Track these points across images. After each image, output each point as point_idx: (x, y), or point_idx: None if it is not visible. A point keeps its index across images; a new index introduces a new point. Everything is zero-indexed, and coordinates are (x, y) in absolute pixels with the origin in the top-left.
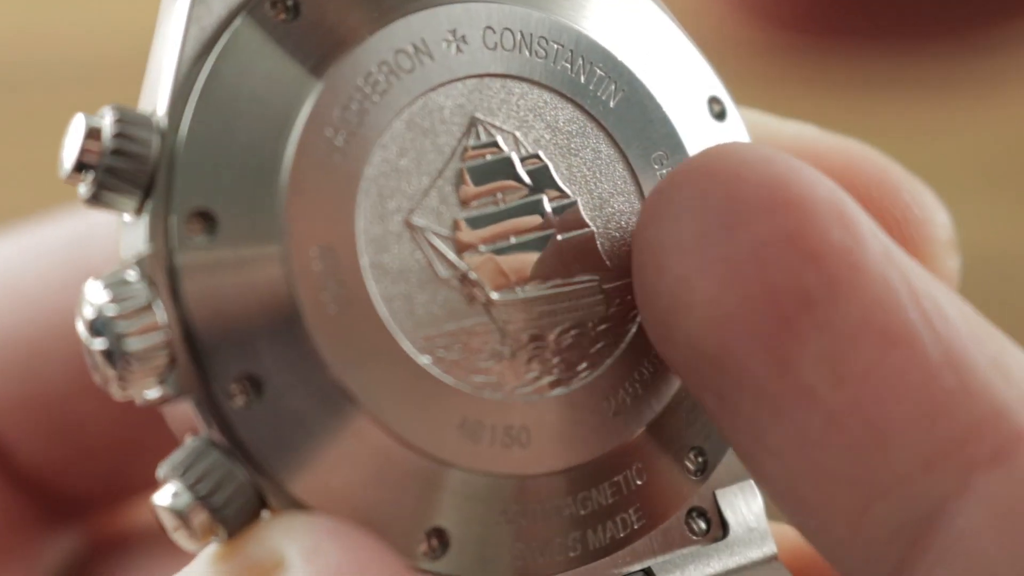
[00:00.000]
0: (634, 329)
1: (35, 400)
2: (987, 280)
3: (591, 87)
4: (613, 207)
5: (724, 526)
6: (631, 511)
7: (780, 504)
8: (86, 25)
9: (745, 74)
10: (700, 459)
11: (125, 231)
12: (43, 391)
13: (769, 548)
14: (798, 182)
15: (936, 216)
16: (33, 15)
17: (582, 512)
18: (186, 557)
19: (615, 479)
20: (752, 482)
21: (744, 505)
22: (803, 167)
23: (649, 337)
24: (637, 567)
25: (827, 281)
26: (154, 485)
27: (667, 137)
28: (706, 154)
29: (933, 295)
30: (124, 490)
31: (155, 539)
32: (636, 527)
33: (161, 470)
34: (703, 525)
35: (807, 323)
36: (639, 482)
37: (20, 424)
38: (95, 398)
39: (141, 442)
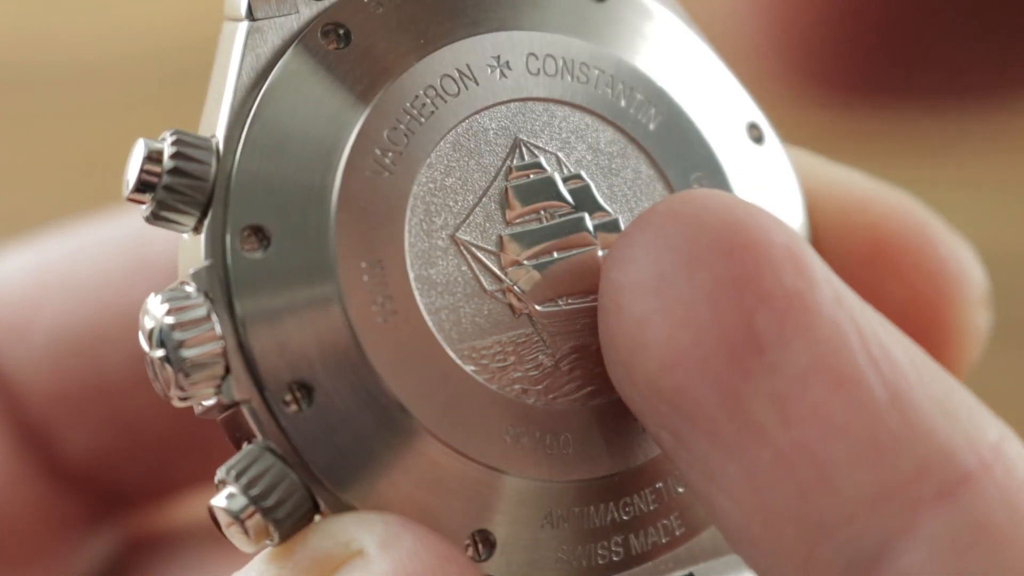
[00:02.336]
0: None
1: (90, 391)
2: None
3: (631, 110)
4: None
5: None
6: (672, 518)
7: (734, 545)
8: (86, 25)
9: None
10: None
11: (184, 248)
12: (98, 383)
13: None
14: (756, 227)
15: (971, 273)
16: (33, 15)
17: (624, 518)
18: (229, 557)
19: (657, 486)
20: None
21: None
22: (762, 213)
23: (612, 379)
24: (679, 573)
25: (778, 323)
26: (196, 484)
27: (706, 159)
28: (670, 199)
29: (881, 339)
30: (167, 487)
31: (193, 539)
32: (678, 534)
33: (218, 474)
34: None
35: (757, 364)
36: (681, 489)
37: (73, 414)
38: (149, 393)
39: (189, 440)
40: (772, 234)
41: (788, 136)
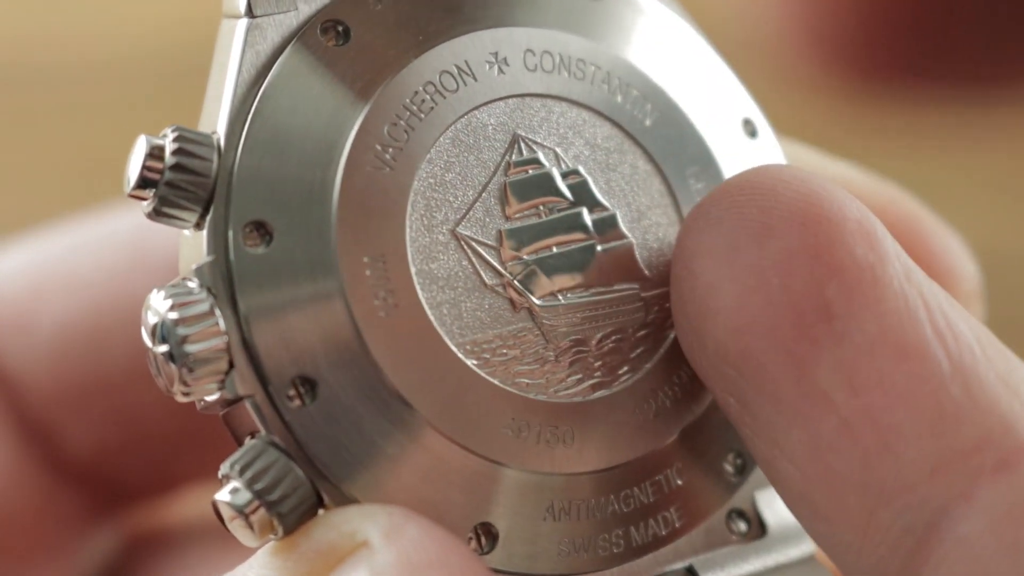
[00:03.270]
0: (673, 335)
1: (92, 387)
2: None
3: (628, 106)
4: (651, 219)
5: (763, 526)
6: (672, 510)
7: (794, 509)
8: (86, 25)
9: (808, 113)
10: (739, 461)
11: (185, 244)
12: (101, 378)
13: (807, 547)
14: (830, 201)
15: (963, 266)
16: (33, 15)
17: (625, 510)
18: (232, 552)
19: (656, 478)
20: None
21: (783, 506)
22: (836, 189)
23: (681, 346)
24: (679, 565)
25: (848, 294)
26: (198, 479)
27: (701, 154)
28: (746, 172)
29: (948, 314)
30: (169, 483)
31: (195, 535)
32: (677, 525)
33: (222, 468)
34: (743, 526)
35: (826, 332)
36: (679, 482)
37: (75, 410)
38: (151, 388)
39: (191, 435)
40: (846, 208)
41: (808, 125)
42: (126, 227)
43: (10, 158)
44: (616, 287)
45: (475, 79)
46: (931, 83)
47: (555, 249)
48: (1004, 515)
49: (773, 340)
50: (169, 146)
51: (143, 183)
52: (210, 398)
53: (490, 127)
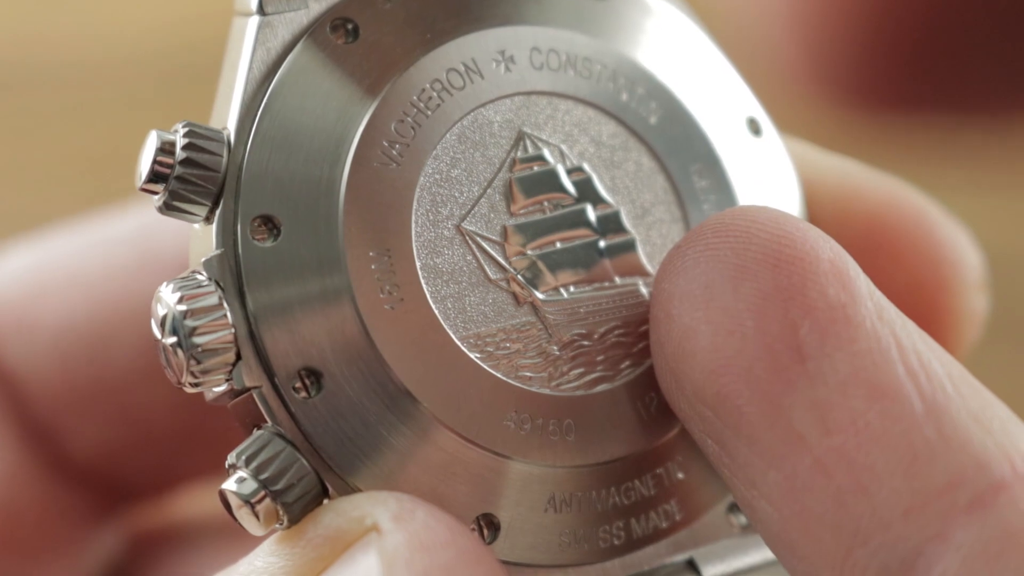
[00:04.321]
0: None
1: (95, 386)
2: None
3: (633, 104)
4: (654, 216)
5: None
6: (673, 502)
7: (772, 548)
8: (86, 25)
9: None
10: None
11: (195, 238)
12: (105, 377)
13: None
14: (803, 241)
15: (968, 257)
16: (33, 15)
17: (626, 502)
18: (236, 549)
19: (657, 471)
20: None
21: None
22: (810, 229)
23: (661, 388)
24: (679, 557)
25: (820, 334)
26: (202, 477)
27: (705, 152)
28: (722, 213)
29: (920, 353)
30: (173, 481)
31: (199, 533)
32: (678, 518)
33: (229, 458)
34: (743, 518)
35: (800, 373)
36: (680, 475)
37: (80, 409)
38: (156, 386)
39: (195, 433)
40: (819, 249)
41: (813, 142)
42: (129, 227)
43: (10, 158)
44: (619, 283)
45: (482, 77)
46: (933, 111)
47: (559, 245)
48: (978, 554)
49: (748, 381)
50: (180, 141)
51: (154, 177)
52: (218, 389)
53: (496, 124)
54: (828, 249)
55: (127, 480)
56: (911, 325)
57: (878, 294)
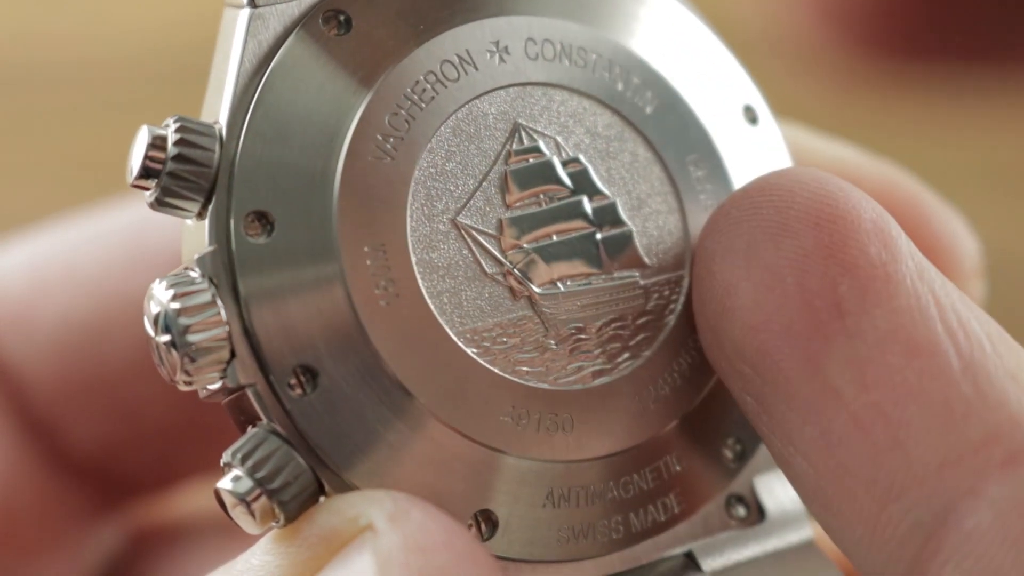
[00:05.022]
0: (673, 322)
1: (94, 381)
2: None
3: (628, 94)
4: (651, 207)
5: (762, 511)
6: (671, 496)
7: (808, 504)
8: (86, 25)
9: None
10: (738, 447)
11: (188, 234)
12: (103, 373)
13: (806, 533)
14: (845, 201)
15: (964, 244)
16: (33, 15)
17: (624, 496)
18: (234, 545)
19: (655, 465)
20: None
21: (782, 491)
22: (853, 189)
23: (702, 345)
24: (678, 550)
25: (860, 291)
26: (200, 472)
27: (702, 141)
28: (767, 174)
29: (959, 311)
30: (171, 476)
31: (198, 528)
32: (676, 511)
33: (224, 456)
34: (742, 511)
35: (838, 329)
36: (679, 468)
37: (78, 405)
38: (152, 382)
39: (194, 429)
40: (861, 208)
41: (816, 110)
42: (126, 222)
43: (10, 158)
44: (616, 275)
45: (476, 68)
46: (942, 59)
47: (555, 237)
48: (1011, 509)
49: (787, 338)
50: (171, 136)
51: (145, 173)
52: (212, 387)
53: (491, 116)
54: (871, 209)
55: (126, 475)
56: (950, 285)
57: (919, 255)
